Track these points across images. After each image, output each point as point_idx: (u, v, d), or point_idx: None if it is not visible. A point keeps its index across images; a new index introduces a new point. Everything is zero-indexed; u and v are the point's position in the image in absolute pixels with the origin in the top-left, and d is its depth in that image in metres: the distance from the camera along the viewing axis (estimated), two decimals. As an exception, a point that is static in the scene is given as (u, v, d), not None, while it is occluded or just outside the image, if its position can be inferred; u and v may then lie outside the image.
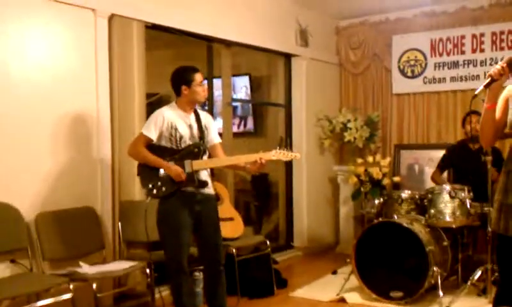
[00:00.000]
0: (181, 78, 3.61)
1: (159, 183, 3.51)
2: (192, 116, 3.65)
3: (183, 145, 3.56)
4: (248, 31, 5.68)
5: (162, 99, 6.83)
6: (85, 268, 3.70)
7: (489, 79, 2.66)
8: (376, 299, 4.40)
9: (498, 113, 2.72)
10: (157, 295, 4.23)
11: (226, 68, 5.76)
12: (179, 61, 6.43)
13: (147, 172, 3.56)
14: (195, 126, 3.63)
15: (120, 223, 4.25)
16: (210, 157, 3.72)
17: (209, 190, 3.67)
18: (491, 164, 4.37)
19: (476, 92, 2.70)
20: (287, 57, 6.51)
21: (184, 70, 3.66)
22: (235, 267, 4.44)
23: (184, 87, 3.59)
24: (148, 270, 4.00)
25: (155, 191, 3.53)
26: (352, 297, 4.54)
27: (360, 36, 6.88)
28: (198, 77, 3.60)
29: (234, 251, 4.45)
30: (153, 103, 6.37)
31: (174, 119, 3.56)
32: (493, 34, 5.97)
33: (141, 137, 3.59)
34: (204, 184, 3.58)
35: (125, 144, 4.28)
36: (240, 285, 4.52)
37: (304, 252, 6.36)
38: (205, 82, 3.76)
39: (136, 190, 4.37)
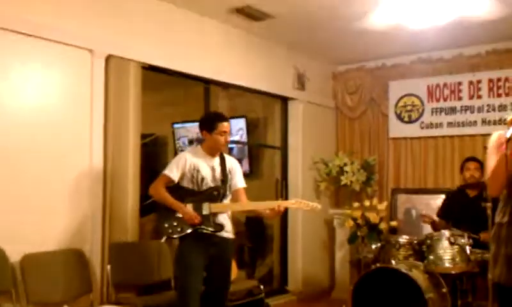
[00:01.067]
0: (205, 124, 3.71)
1: (175, 224, 3.55)
2: (216, 160, 3.71)
3: (204, 187, 3.61)
4: (245, 73, 5.70)
5: (157, 140, 6.82)
6: (70, 313, 3.59)
7: None
8: (373, 348, 4.26)
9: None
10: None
11: (222, 110, 5.74)
12: (176, 102, 6.53)
13: (165, 212, 3.59)
14: (218, 169, 3.68)
15: (109, 266, 4.13)
16: (233, 201, 3.76)
17: (227, 234, 3.68)
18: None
19: (508, 135, 2.55)
20: (284, 100, 6.52)
21: (210, 116, 3.83)
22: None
23: (204, 132, 3.68)
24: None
25: (170, 231, 3.56)
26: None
27: (357, 81, 6.91)
28: (221, 126, 3.66)
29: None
30: (148, 144, 6.35)
31: (197, 161, 3.64)
32: (490, 81, 6.00)
33: (162, 177, 3.63)
34: (220, 227, 3.59)
35: (118, 184, 4.23)
36: (233, 331, 4.39)
37: (299, 297, 6.21)
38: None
39: (129, 232, 4.29)
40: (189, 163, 3.61)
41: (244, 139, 6.85)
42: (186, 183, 3.61)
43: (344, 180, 6.33)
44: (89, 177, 4.12)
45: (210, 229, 3.55)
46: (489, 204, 4.27)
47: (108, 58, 4.27)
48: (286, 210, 6.20)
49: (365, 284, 4.43)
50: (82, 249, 4.02)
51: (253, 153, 7.12)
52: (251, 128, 6.93)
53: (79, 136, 4.09)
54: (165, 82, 5.41)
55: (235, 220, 6.31)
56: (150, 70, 4.67)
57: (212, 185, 3.62)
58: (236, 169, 3.80)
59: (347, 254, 6.38)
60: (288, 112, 6.57)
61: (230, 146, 6.67)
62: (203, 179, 3.60)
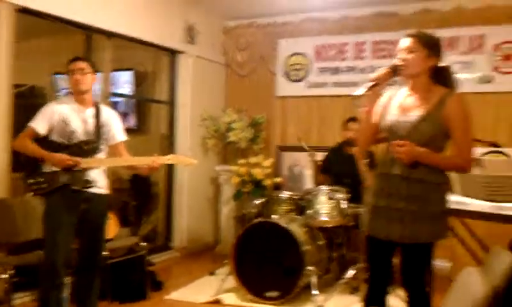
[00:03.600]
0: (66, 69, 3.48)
1: (41, 179, 3.33)
2: (90, 111, 3.48)
3: (75, 141, 3.37)
4: (132, 23, 5.44)
5: (35, 91, 6.37)
6: None
7: (372, 82, 2.68)
8: (251, 300, 4.36)
9: (375, 117, 2.77)
10: (18, 301, 3.87)
11: (106, 61, 5.45)
12: (55, 51, 6.11)
13: (31, 166, 3.35)
14: (91, 121, 3.45)
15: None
16: (111, 155, 3.56)
17: (100, 189, 3.48)
18: (368, 167, 4.49)
19: (358, 93, 2.70)
20: (173, 53, 6.33)
21: (68, 60, 3.50)
22: (108, 269, 4.19)
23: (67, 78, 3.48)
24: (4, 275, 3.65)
25: (36, 187, 3.34)
26: (228, 298, 4.46)
27: (248, 37, 6.87)
28: (71, 66, 3.42)
29: (107, 252, 4.19)
30: (25, 95, 5.93)
31: (67, 113, 3.39)
32: (374, 43, 6.21)
33: (27, 130, 3.37)
34: (90, 183, 3.38)
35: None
36: (112, 289, 4.27)
37: (183, 253, 6.20)
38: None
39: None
40: (58, 114, 3.36)
41: (132, 92, 6.61)
42: (56, 137, 3.37)
43: (232, 136, 6.33)
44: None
45: (79, 185, 3.35)
46: (363, 162, 4.48)
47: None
48: (172, 167, 6.21)
49: (248, 239, 4.50)
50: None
51: (141, 107, 6.90)
52: (139, 81, 6.69)
53: None
54: (44, 29, 5.01)
55: (118, 177, 6.16)
56: (25, 13, 4.29)
57: (83, 138, 3.40)
58: (113, 122, 3.58)
59: (233, 210, 6.45)
60: (177, 67, 6.39)
61: (115, 99, 6.41)
62: (73, 132, 3.37)
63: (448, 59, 5.68)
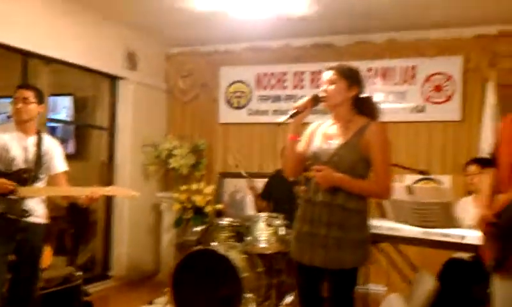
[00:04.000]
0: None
1: None
2: (31, 139, 3.43)
3: (14, 168, 3.31)
4: (70, 48, 5.39)
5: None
6: None
7: (294, 111, 2.80)
8: (190, 329, 4.32)
9: (302, 145, 2.87)
10: None
11: (44, 86, 5.33)
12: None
13: None
14: (32, 150, 3.39)
15: None
16: (51, 184, 3.51)
17: (37, 219, 3.41)
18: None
19: (281, 120, 2.84)
20: (113, 79, 6.29)
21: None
22: (40, 300, 4.05)
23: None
24: None
25: None
26: (166, 328, 4.41)
27: (190, 64, 6.92)
28: (17, 93, 3.41)
29: (41, 282, 4.06)
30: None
31: (8, 140, 3.34)
32: (312, 72, 6.38)
33: None
34: (27, 213, 3.31)
35: None
36: (46, 321, 4.14)
37: (122, 283, 6.08)
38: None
39: None
40: None
41: (71, 118, 6.49)
42: None
43: (173, 163, 6.32)
44: None
45: (16, 214, 3.26)
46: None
47: None
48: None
49: (187, 267, 4.46)
50: None
51: (80, 133, 6.78)
52: (79, 106, 6.59)
53: None
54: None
55: (55, 205, 6.00)
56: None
57: (23, 166, 3.34)
58: (54, 151, 3.55)
59: (174, 237, 6.40)
60: (118, 92, 6.36)
61: (53, 125, 6.29)
62: (12, 159, 3.31)
63: (382, 89, 6.02)
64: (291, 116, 2.80)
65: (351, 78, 2.80)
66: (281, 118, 2.83)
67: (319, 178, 2.69)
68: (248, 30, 6.03)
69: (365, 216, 2.78)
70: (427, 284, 2.16)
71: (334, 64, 2.85)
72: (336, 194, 2.70)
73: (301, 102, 2.81)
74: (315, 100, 2.82)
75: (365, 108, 2.84)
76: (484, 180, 2.92)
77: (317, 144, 2.82)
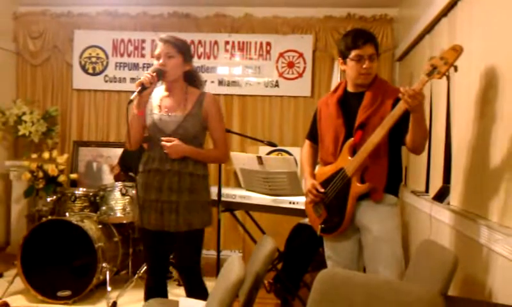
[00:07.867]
0: None
1: None
2: None
3: None
4: None
5: None
6: None
7: (140, 87, 2.82)
8: (42, 300, 4.23)
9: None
10: None
11: None
12: None
13: None
14: None
15: None
16: None
17: None
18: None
19: (132, 97, 2.83)
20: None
21: None
22: None
23: None
24: None
25: None
26: (17, 301, 4.27)
27: (41, 25, 6.53)
28: None
29: None
30: None
31: None
32: (169, 41, 6.37)
33: None
34: None
35: None
36: None
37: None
38: None
39: None
40: None
41: None
42: None
43: (22, 130, 5.99)
44: None
45: None
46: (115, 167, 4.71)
47: None
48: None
49: (38, 238, 4.34)
50: None
51: None
52: None
53: None
54: None
55: None
56: None
57: None
58: None
59: (25, 208, 6.11)
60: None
61: None
62: None
63: (239, 63, 6.24)
64: (139, 92, 2.82)
65: (186, 53, 2.93)
66: (133, 95, 2.82)
67: (169, 150, 2.81)
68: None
69: (208, 180, 3.00)
70: (268, 246, 2.41)
71: (166, 36, 2.90)
72: (185, 162, 2.87)
73: (145, 78, 2.81)
74: (159, 74, 2.86)
75: (194, 79, 3.01)
76: (303, 152, 3.19)
77: (156, 115, 2.91)
